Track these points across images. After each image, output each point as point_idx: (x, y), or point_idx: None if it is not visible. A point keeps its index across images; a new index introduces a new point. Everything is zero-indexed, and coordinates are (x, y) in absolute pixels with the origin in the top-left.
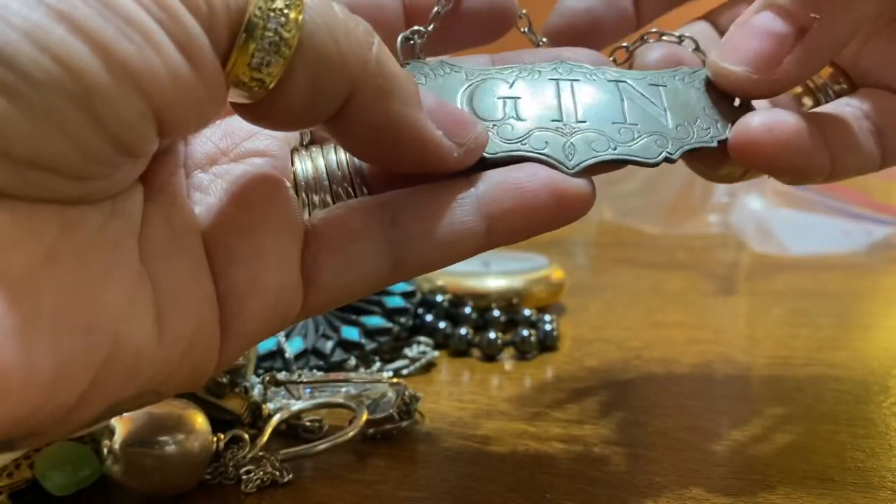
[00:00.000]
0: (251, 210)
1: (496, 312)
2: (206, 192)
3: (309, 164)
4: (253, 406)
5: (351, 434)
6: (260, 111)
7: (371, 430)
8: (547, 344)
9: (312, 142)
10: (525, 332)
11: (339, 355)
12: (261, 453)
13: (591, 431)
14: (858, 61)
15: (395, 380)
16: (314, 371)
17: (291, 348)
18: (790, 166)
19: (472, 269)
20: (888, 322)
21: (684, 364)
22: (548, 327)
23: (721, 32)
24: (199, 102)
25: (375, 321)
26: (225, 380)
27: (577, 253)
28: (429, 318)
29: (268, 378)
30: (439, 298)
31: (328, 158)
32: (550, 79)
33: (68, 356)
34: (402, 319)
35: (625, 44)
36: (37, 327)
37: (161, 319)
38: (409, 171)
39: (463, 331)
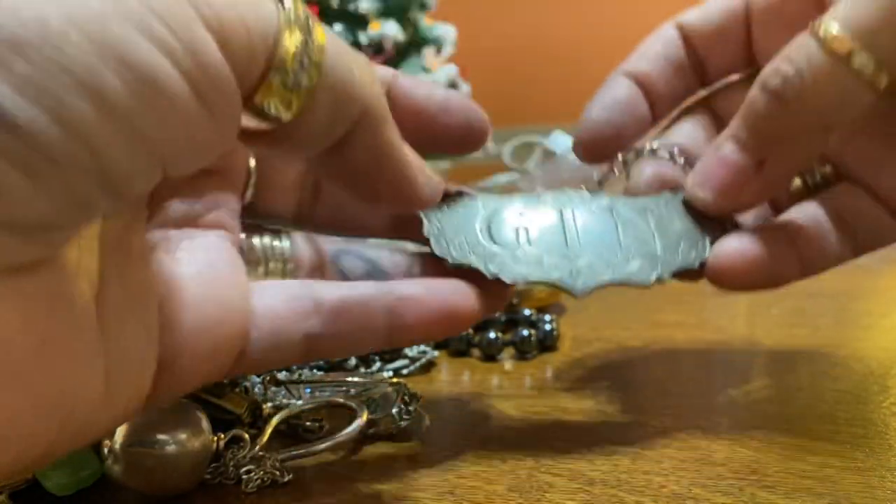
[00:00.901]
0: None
1: (496, 312)
2: (170, 251)
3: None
4: (253, 406)
5: (351, 434)
6: (280, 135)
7: (371, 430)
8: (547, 344)
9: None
10: (525, 332)
11: None
12: (261, 453)
13: (591, 431)
14: (842, 157)
15: (395, 379)
16: (314, 371)
17: None
18: (761, 285)
19: None
20: (887, 322)
21: (684, 364)
22: (548, 327)
23: (718, 119)
24: (212, 148)
25: None
26: (225, 379)
27: None
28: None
29: (268, 378)
30: None
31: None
32: (554, 208)
33: (24, 436)
34: None
35: (619, 156)
36: None
37: (110, 384)
38: (380, 201)
39: None
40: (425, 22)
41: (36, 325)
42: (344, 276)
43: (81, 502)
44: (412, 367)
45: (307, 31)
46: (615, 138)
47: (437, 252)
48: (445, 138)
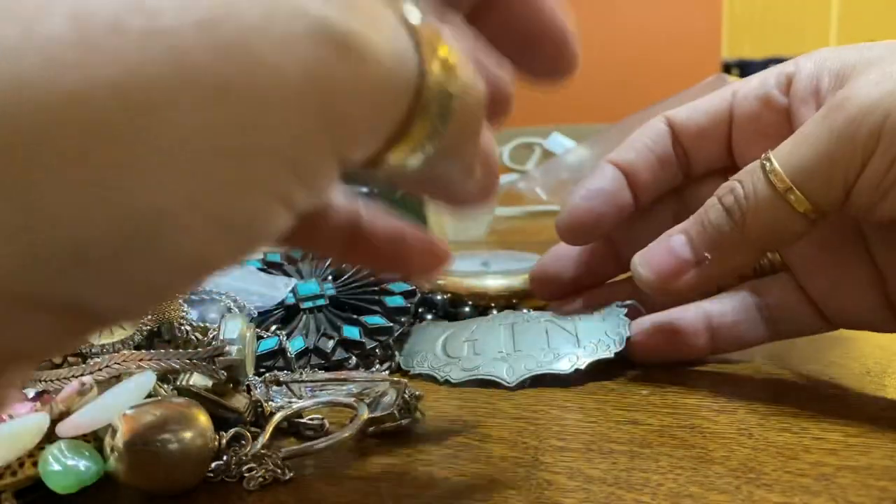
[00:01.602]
0: None
1: (496, 312)
2: None
3: None
4: (255, 404)
5: (352, 432)
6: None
7: (372, 429)
8: None
9: None
10: None
11: (340, 354)
12: (263, 451)
13: (589, 429)
14: (787, 254)
15: (395, 378)
16: (315, 370)
17: (293, 347)
18: (669, 361)
19: (472, 269)
20: None
21: (682, 363)
22: None
23: (686, 210)
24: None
25: (376, 320)
26: (223, 377)
27: None
28: (429, 317)
29: (269, 377)
30: (439, 298)
31: None
32: (501, 324)
33: None
34: (403, 319)
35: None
36: None
37: None
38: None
39: None
40: None
41: None
42: None
43: (84, 501)
44: None
45: (445, 75)
46: (595, 225)
47: (403, 365)
48: (539, 61)
